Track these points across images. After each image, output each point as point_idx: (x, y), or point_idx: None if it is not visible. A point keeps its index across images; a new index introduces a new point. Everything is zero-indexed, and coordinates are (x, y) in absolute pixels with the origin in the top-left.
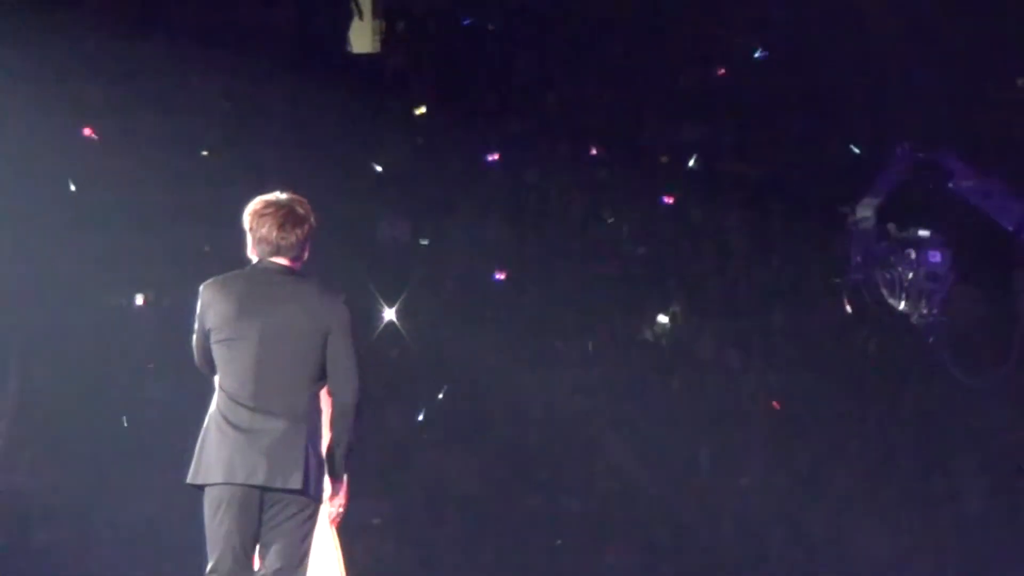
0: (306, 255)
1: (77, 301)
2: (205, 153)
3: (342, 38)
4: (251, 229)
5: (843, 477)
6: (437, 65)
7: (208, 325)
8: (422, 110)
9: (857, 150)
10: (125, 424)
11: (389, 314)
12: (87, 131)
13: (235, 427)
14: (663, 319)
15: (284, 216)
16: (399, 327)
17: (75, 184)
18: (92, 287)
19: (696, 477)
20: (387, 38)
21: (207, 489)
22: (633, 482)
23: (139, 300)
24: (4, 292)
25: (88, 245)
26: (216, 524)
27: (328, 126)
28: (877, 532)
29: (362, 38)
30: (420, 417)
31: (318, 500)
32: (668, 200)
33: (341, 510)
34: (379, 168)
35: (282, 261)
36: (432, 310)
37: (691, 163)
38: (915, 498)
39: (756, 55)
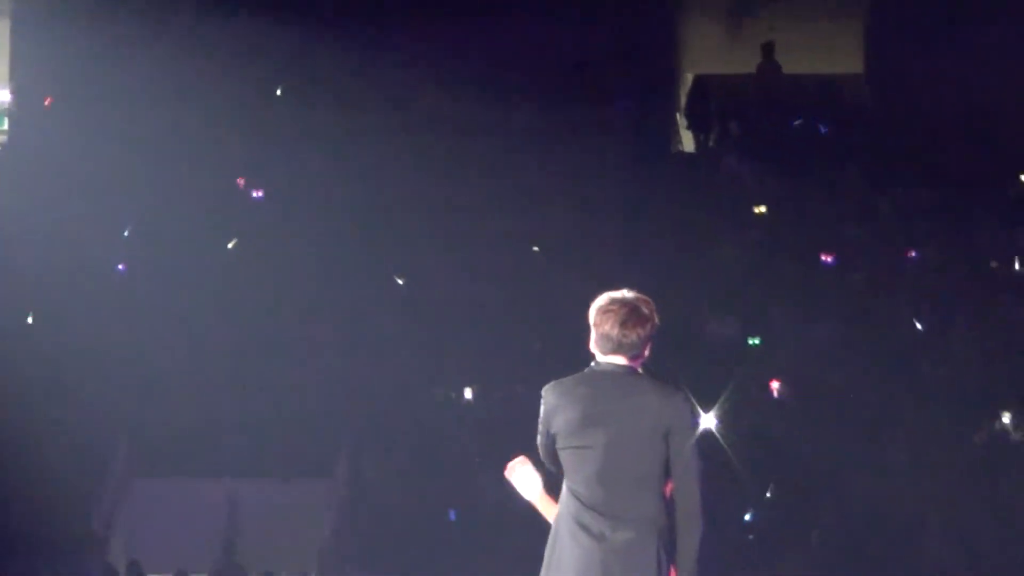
0: (647, 354)
1: (406, 394)
2: (536, 249)
3: (673, 137)
4: (595, 324)
5: None
6: (770, 165)
7: (553, 431)
8: (762, 209)
9: None
10: (453, 518)
11: (706, 420)
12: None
13: (587, 532)
14: (1005, 419)
15: (627, 314)
16: (716, 433)
17: (403, 280)
18: (421, 380)
19: None
20: (721, 138)
21: None
22: None
23: (468, 394)
24: (334, 386)
25: (418, 339)
26: None
27: (659, 223)
28: None
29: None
30: (748, 517)
31: None
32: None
33: None
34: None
35: (621, 360)
36: (760, 408)
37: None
38: None
39: None
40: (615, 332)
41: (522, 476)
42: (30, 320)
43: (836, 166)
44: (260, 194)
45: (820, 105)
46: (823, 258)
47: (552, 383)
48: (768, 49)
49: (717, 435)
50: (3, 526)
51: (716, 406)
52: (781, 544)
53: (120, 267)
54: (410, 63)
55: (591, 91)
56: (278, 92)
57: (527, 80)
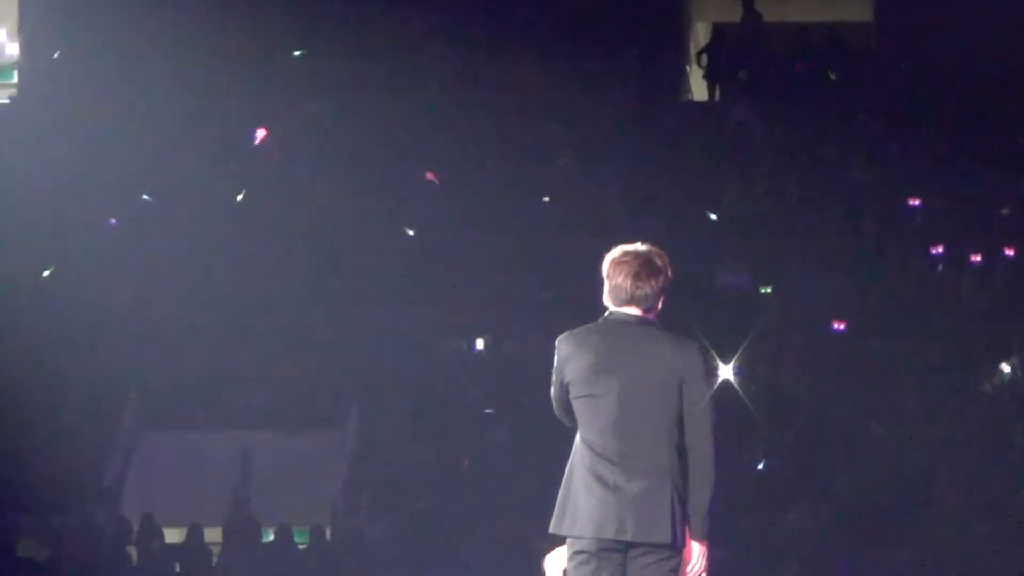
0: (659, 306)
1: (418, 346)
2: (547, 199)
3: (682, 86)
4: (608, 277)
5: None
6: (778, 114)
7: (566, 380)
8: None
9: None
10: (464, 467)
11: (725, 371)
12: (429, 175)
13: (602, 482)
14: (1005, 368)
15: (640, 266)
16: (735, 384)
17: (415, 230)
18: (432, 332)
19: None
20: (728, 87)
21: (573, 540)
22: (970, 534)
23: (479, 345)
24: (344, 337)
25: (429, 290)
26: (583, 574)
27: (667, 174)
28: None
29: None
30: (760, 467)
31: (682, 548)
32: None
33: (704, 573)
34: (714, 216)
35: (634, 311)
36: (773, 359)
37: None
38: None
39: None
40: (628, 284)
41: (558, 559)
42: (46, 274)
43: (845, 114)
44: (262, 134)
45: (829, 53)
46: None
47: (566, 333)
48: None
49: (734, 386)
50: (15, 482)
51: (728, 356)
52: (793, 492)
53: (112, 221)
54: (415, 13)
55: (598, 40)
56: (296, 54)
57: (534, 29)
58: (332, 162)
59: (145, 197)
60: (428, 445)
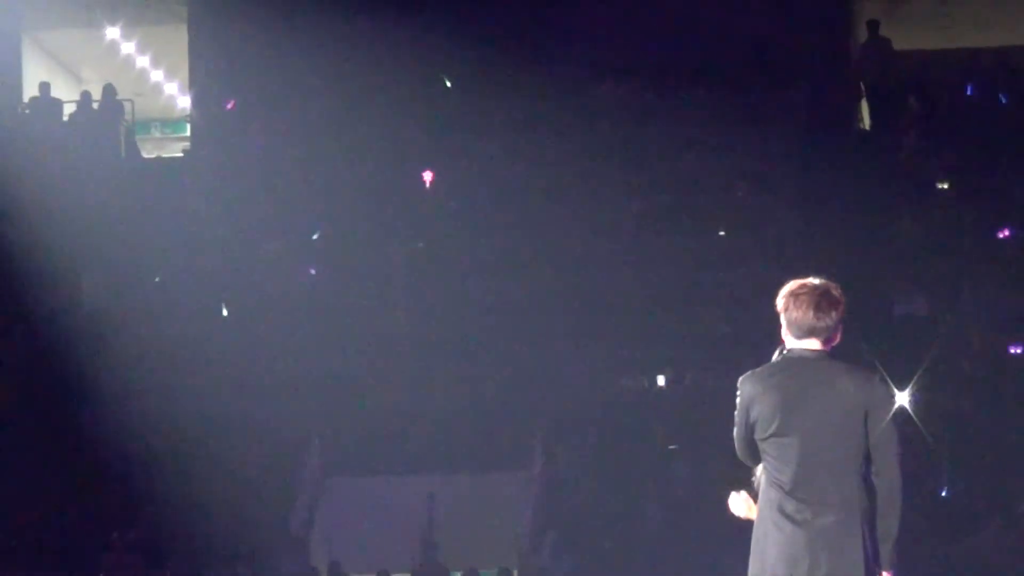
0: (838, 338)
1: (599, 383)
2: (722, 233)
3: (853, 115)
4: (785, 311)
5: None
6: (950, 139)
7: (752, 420)
8: (945, 185)
9: None
10: (649, 507)
11: (901, 398)
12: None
13: (792, 521)
14: None
15: (819, 297)
16: (911, 412)
17: (591, 269)
18: (613, 368)
19: None
20: (901, 114)
21: None
22: None
23: (660, 380)
24: (525, 378)
25: (605, 326)
26: None
27: (841, 203)
28: None
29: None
30: (944, 493)
31: None
32: None
33: None
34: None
35: (814, 344)
36: (951, 386)
37: None
38: None
39: None
40: (809, 316)
41: (739, 503)
42: (225, 312)
43: (1016, 136)
44: (430, 176)
45: (998, 76)
46: (1001, 234)
47: (748, 373)
48: (873, 26)
49: (911, 413)
50: (203, 531)
51: (910, 384)
52: (978, 518)
53: (311, 270)
54: (585, 52)
55: (768, 72)
56: (447, 83)
57: (704, 64)
58: (506, 202)
59: (315, 236)
60: (612, 482)
